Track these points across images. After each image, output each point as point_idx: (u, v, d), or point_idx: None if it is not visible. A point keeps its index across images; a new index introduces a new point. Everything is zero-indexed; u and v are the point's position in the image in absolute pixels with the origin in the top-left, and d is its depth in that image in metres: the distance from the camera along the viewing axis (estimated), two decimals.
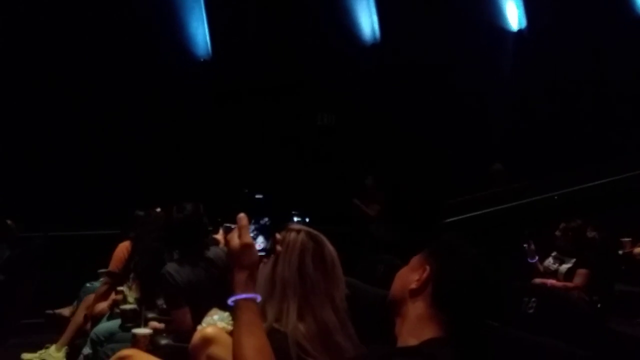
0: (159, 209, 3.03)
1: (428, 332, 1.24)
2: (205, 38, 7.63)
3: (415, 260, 1.36)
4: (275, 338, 1.38)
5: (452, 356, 1.21)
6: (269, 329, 1.46)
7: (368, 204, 6.30)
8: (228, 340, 1.95)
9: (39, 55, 6.46)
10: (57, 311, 4.22)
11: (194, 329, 2.50)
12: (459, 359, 1.21)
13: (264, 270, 1.54)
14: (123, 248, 3.70)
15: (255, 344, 1.20)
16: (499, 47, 7.05)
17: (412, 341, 1.24)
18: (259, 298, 1.25)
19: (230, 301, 1.23)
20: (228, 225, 3.12)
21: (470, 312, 1.27)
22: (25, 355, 3.79)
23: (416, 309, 1.27)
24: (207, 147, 6.82)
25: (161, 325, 2.86)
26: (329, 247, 1.61)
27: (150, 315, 3.09)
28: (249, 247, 1.23)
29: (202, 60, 7.64)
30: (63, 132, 6.50)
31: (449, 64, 6.80)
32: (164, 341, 2.76)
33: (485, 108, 6.92)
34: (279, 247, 1.31)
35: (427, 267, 1.29)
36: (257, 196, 1.26)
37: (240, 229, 1.23)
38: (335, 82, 7.06)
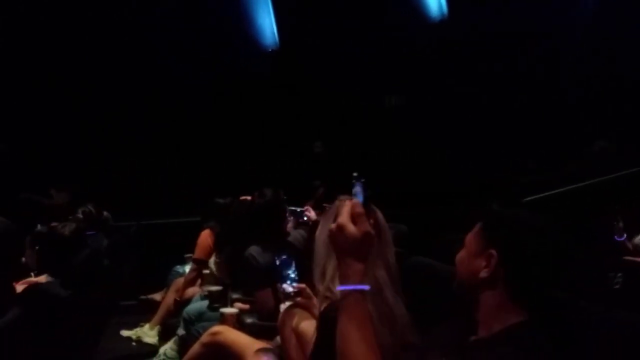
0: (248, 197, 3.19)
1: (511, 317, 1.21)
2: (272, 28, 7.79)
3: (474, 243, 1.30)
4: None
5: (539, 338, 1.18)
6: (323, 297, 1.62)
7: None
8: (310, 315, 2.09)
9: (117, 49, 6.83)
10: (150, 296, 4.60)
11: (276, 308, 2.65)
12: (546, 339, 1.18)
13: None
14: (206, 236, 3.93)
15: (365, 340, 1.13)
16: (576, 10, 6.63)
17: (497, 327, 1.22)
18: (367, 288, 1.17)
19: (342, 288, 1.15)
20: (293, 208, 3.23)
21: (549, 289, 1.25)
22: (124, 332, 4.14)
23: (492, 296, 1.23)
24: (284, 134, 6.97)
25: (246, 306, 3.03)
26: (379, 212, 1.70)
27: (235, 296, 3.29)
28: (371, 236, 1.16)
29: (269, 50, 7.81)
30: (149, 128, 6.90)
31: (521, 31, 6.49)
32: (249, 320, 2.93)
33: (558, 78, 6.56)
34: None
35: (493, 252, 1.23)
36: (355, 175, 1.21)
37: (357, 217, 1.15)
38: (403, 61, 6.97)
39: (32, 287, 1.84)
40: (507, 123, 6.48)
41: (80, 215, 3.89)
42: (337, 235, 1.16)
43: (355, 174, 1.20)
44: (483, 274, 1.24)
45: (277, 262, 2.90)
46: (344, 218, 1.15)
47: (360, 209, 1.15)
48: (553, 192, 4.65)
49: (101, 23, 6.83)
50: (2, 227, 1.68)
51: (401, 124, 7.03)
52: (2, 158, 6.30)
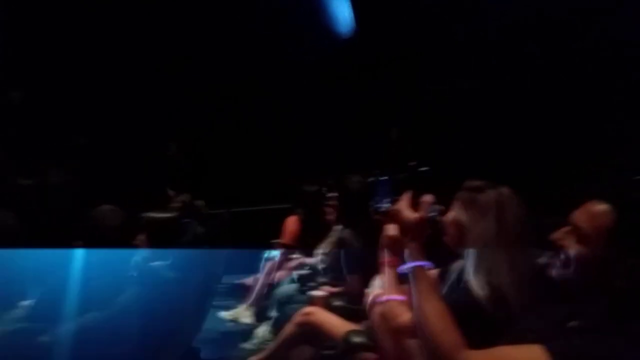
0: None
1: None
2: (348, 16, 7.78)
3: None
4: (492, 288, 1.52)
5: None
6: (486, 281, 1.56)
7: None
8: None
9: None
10: (243, 281, 4.85)
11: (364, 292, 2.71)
12: None
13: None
14: (292, 221, 4.11)
15: (437, 308, 1.24)
16: None
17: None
18: (430, 265, 1.33)
19: (405, 268, 1.31)
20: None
21: None
22: (222, 314, 4.37)
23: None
24: (362, 121, 6.98)
25: (335, 289, 3.13)
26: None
27: (323, 279, 3.40)
28: (425, 220, 1.33)
29: (345, 38, 7.82)
30: (237, 118, 7.18)
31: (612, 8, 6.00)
32: (337, 303, 3.02)
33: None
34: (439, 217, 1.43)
35: None
36: (422, 169, 1.34)
37: (422, 203, 1.33)
38: (477, 42, 6.70)
39: (145, 267, 2.04)
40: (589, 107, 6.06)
41: (177, 204, 4.15)
42: (394, 220, 1.37)
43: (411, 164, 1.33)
44: None
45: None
46: (401, 204, 1.35)
47: (428, 198, 1.33)
48: None
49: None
50: (114, 215, 1.89)
51: (476, 108, 6.78)
52: (84, 152, 6.75)
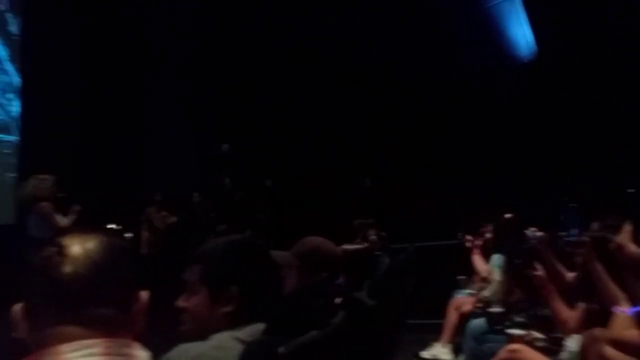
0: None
1: None
2: (527, 38, 7.49)
3: None
4: None
5: None
6: None
7: None
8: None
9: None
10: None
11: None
12: None
13: None
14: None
15: None
16: None
17: None
18: None
19: (635, 312, 1.20)
20: None
21: None
22: (422, 354, 4.29)
23: None
24: (550, 150, 6.54)
25: (538, 335, 2.92)
26: None
27: (518, 319, 3.20)
28: None
29: (525, 60, 7.51)
30: (420, 154, 7.25)
31: None
32: (540, 343, 2.82)
33: None
34: None
35: None
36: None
37: None
38: None
39: (348, 295, 2.14)
40: None
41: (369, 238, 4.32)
42: (617, 254, 1.23)
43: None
44: None
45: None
46: (624, 237, 1.22)
47: None
48: None
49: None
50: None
51: None
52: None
